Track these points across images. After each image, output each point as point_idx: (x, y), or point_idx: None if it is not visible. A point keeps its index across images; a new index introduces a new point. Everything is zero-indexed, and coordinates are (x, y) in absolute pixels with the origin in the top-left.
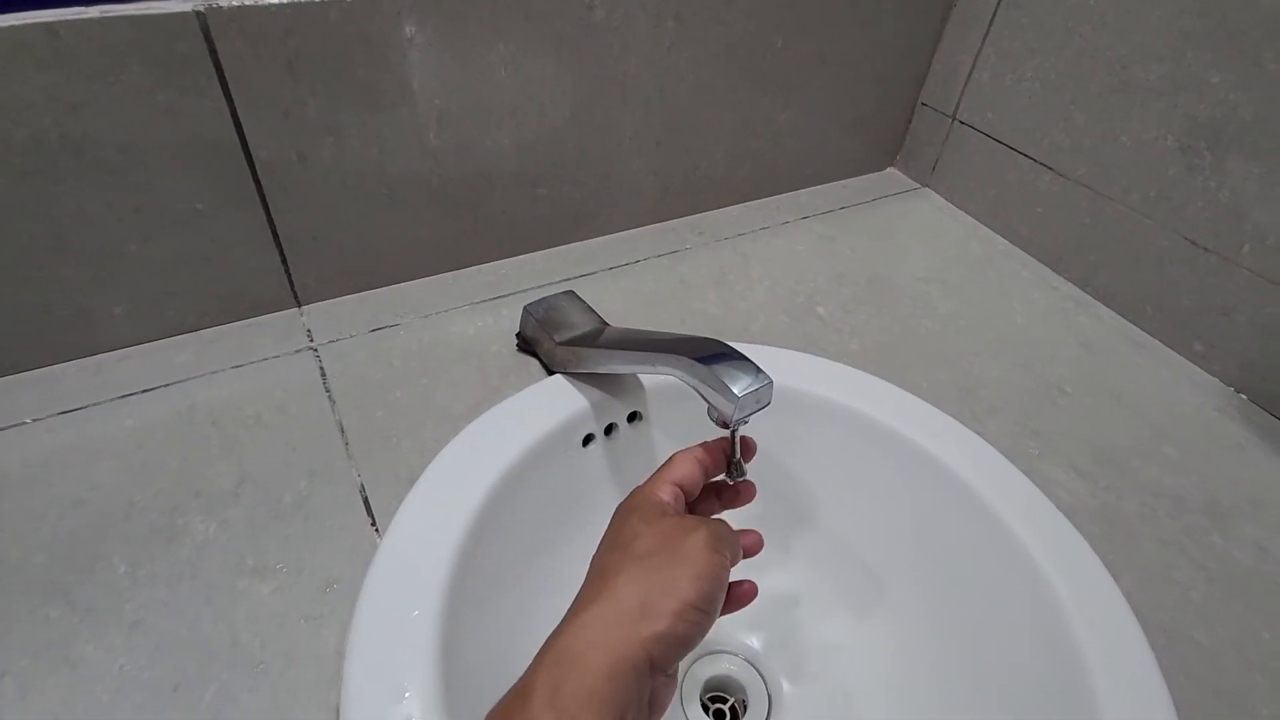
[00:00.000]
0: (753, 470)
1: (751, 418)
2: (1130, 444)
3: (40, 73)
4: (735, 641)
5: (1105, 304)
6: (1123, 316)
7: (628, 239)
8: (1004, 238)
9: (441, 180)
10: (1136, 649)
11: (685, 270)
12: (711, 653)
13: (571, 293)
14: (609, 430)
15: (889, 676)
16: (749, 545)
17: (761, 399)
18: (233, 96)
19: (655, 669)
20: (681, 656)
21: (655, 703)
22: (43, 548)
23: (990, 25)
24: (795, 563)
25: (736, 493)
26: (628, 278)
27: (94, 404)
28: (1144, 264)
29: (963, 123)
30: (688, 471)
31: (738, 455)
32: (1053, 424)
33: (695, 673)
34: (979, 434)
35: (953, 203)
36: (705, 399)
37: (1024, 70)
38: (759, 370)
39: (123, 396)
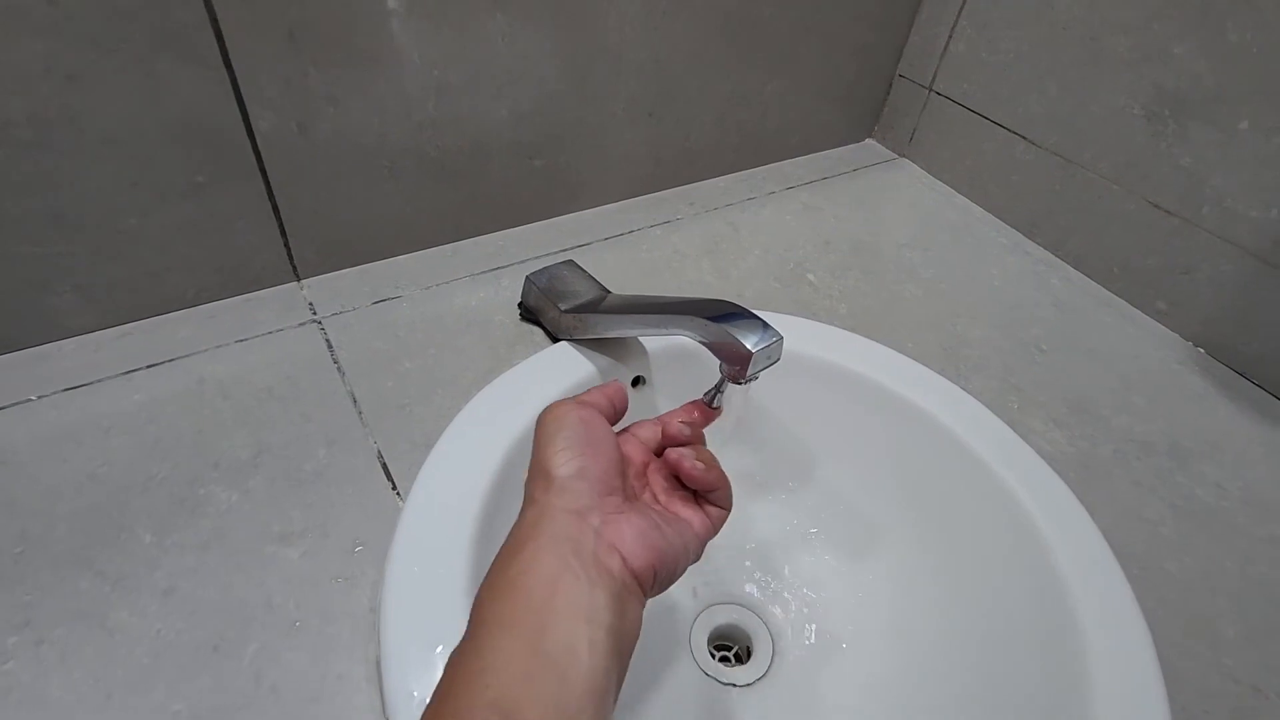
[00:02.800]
0: (751, 430)
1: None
2: (1102, 396)
3: (37, 40)
4: (740, 592)
5: (1075, 267)
6: (1091, 278)
7: (621, 210)
8: (979, 205)
9: (440, 151)
10: (1114, 580)
11: (678, 240)
12: (718, 603)
13: (572, 262)
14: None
15: (887, 618)
16: (611, 392)
17: (773, 354)
18: (233, 65)
19: (580, 515)
20: (596, 490)
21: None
22: (64, 521)
23: None
24: (794, 516)
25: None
26: (623, 248)
27: (99, 380)
28: (1111, 228)
29: (939, 94)
30: (615, 388)
31: (723, 388)
32: (1031, 379)
33: (703, 622)
34: (964, 390)
35: (930, 172)
36: (718, 356)
37: (999, 42)
38: (769, 327)
39: (127, 372)
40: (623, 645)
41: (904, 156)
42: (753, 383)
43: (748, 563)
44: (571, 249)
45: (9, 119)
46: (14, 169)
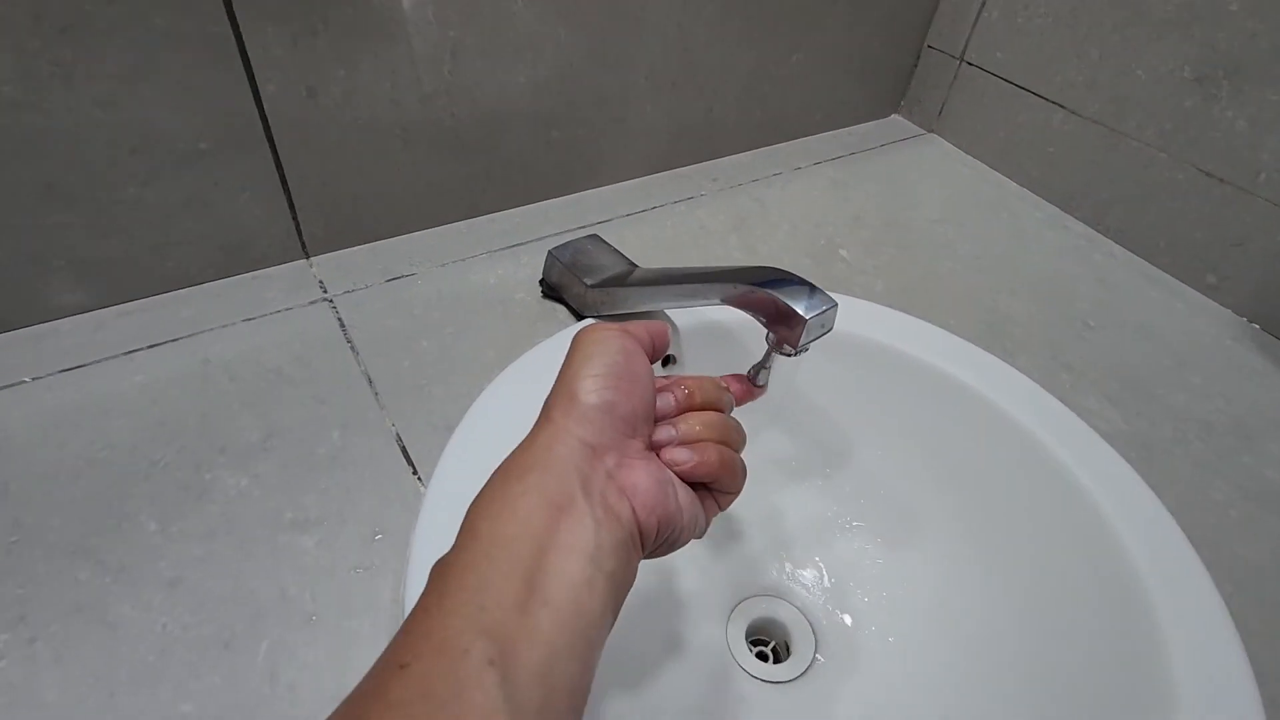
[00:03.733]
0: (785, 413)
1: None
2: (1156, 374)
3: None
4: (776, 582)
5: (1118, 241)
6: (1135, 253)
7: (642, 186)
8: (1014, 180)
9: (454, 120)
10: (1190, 566)
11: (703, 216)
12: (754, 595)
13: (596, 236)
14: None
15: (935, 611)
16: (655, 331)
17: (826, 323)
18: (238, 19)
19: (595, 450)
20: (619, 428)
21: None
22: (60, 510)
23: None
24: (833, 503)
25: (744, 394)
26: (645, 224)
27: (97, 360)
28: (1156, 199)
29: (970, 64)
30: (661, 327)
31: (769, 364)
32: (1080, 357)
33: (739, 614)
34: (1014, 367)
35: (960, 147)
36: (766, 325)
37: (1035, 7)
38: (821, 292)
39: (128, 352)
40: (619, 595)
41: (932, 132)
42: (801, 355)
43: (784, 553)
44: (592, 225)
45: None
46: (1, 133)
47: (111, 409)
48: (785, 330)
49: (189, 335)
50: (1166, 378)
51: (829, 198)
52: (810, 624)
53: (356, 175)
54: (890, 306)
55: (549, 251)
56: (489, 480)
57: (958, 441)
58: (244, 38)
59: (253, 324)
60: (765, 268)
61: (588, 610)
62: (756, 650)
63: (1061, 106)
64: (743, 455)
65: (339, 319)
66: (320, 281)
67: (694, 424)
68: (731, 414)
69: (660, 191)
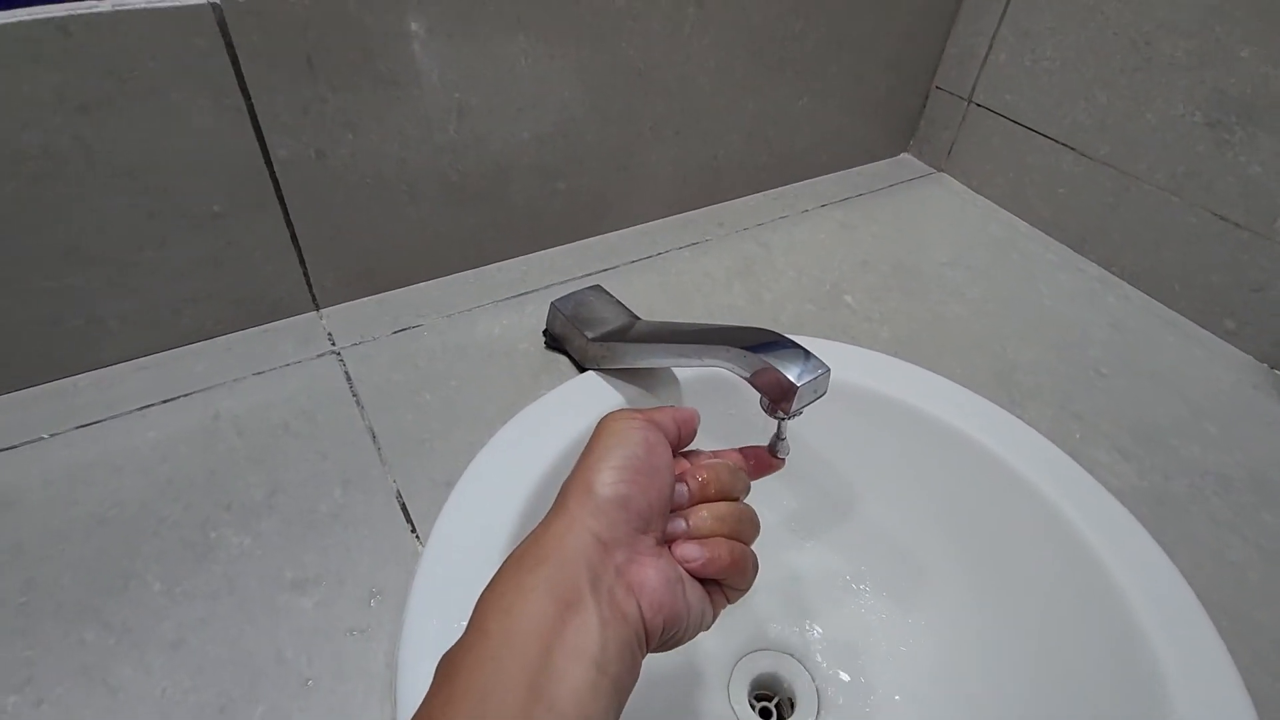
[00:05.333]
0: (792, 462)
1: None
2: (1171, 424)
3: (51, 72)
4: (779, 637)
5: (1132, 284)
6: (1150, 296)
7: (648, 231)
8: (1024, 220)
9: (461, 175)
10: (1201, 630)
11: (708, 262)
12: (758, 650)
13: (599, 287)
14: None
15: (941, 669)
16: (682, 419)
17: (819, 388)
18: (250, 93)
19: (606, 546)
20: (633, 524)
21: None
22: (71, 567)
23: (1007, 5)
24: (837, 557)
25: (763, 468)
26: (651, 271)
27: (112, 416)
28: (1171, 242)
29: (979, 105)
30: (687, 416)
31: (784, 434)
32: (1092, 406)
33: (742, 669)
34: (1019, 418)
35: (970, 187)
36: (759, 390)
37: (1043, 50)
38: (814, 357)
39: (142, 408)
40: (622, 696)
41: (942, 171)
42: (796, 417)
43: (788, 607)
44: (597, 273)
45: (21, 151)
46: (27, 202)
47: (124, 466)
48: (778, 395)
49: (201, 390)
50: (1182, 428)
51: (836, 241)
52: (814, 680)
53: (365, 229)
54: (896, 355)
55: (551, 303)
56: (502, 567)
57: (963, 496)
58: (256, 110)
59: (262, 378)
60: (758, 329)
61: (591, 714)
62: (760, 706)
63: (1071, 148)
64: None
65: (345, 372)
66: (329, 334)
67: (706, 518)
68: (748, 494)
69: (666, 237)
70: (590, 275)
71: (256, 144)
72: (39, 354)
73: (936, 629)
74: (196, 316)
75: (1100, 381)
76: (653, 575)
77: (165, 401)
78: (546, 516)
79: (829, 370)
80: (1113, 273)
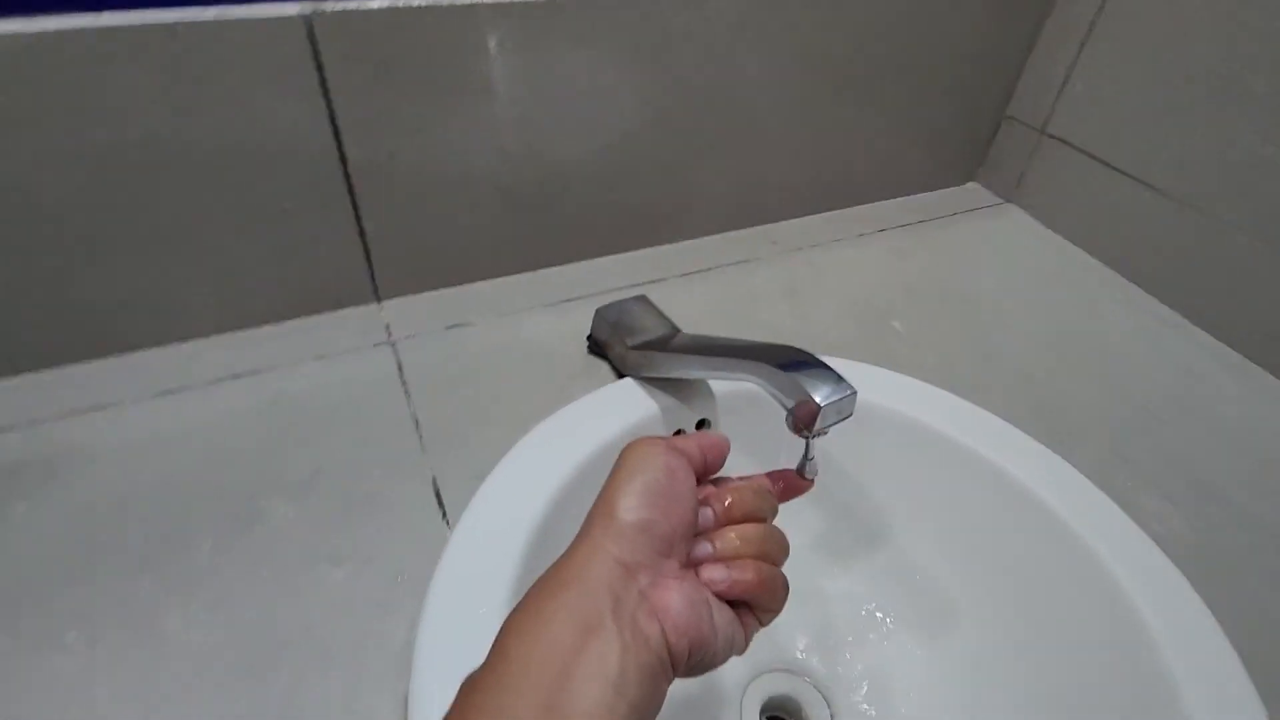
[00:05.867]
0: (821, 488)
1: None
2: (1233, 476)
3: (157, 71)
4: (796, 659)
5: (1206, 330)
6: (1224, 343)
7: (699, 246)
8: (1095, 258)
9: (519, 181)
10: (1247, 702)
11: (757, 280)
12: (771, 670)
13: (644, 297)
14: (678, 435)
15: (961, 710)
16: (708, 445)
17: (844, 410)
18: (331, 99)
19: (629, 570)
20: (655, 548)
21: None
22: (134, 525)
23: (1089, 33)
24: (864, 582)
25: (792, 490)
26: (699, 285)
27: (187, 388)
28: (1251, 287)
29: (1052, 136)
30: (714, 442)
31: (813, 455)
32: (1146, 451)
33: (754, 690)
34: (1064, 458)
35: (1039, 220)
36: (785, 407)
37: (1124, 81)
38: (842, 380)
39: (214, 382)
40: None
41: (1011, 202)
42: (835, 430)
43: (810, 631)
44: (646, 283)
45: (125, 140)
46: (127, 187)
47: (191, 435)
48: (803, 414)
49: (266, 370)
50: (1245, 481)
51: (888, 266)
52: (830, 706)
53: (428, 229)
54: (938, 384)
55: (597, 310)
56: (528, 592)
57: (998, 534)
58: (336, 114)
59: (322, 363)
60: (789, 348)
61: None
62: None
63: (1149, 186)
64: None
65: (398, 362)
66: (387, 325)
67: (733, 539)
68: (776, 516)
69: (717, 253)
70: (638, 285)
71: (334, 145)
72: (127, 325)
73: (960, 668)
74: (268, 301)
75: (1158, 427)
76: (676, 599)
77: (234, 378)
78: (572, 543)
79: (855, 393)
80: (1185, 316)
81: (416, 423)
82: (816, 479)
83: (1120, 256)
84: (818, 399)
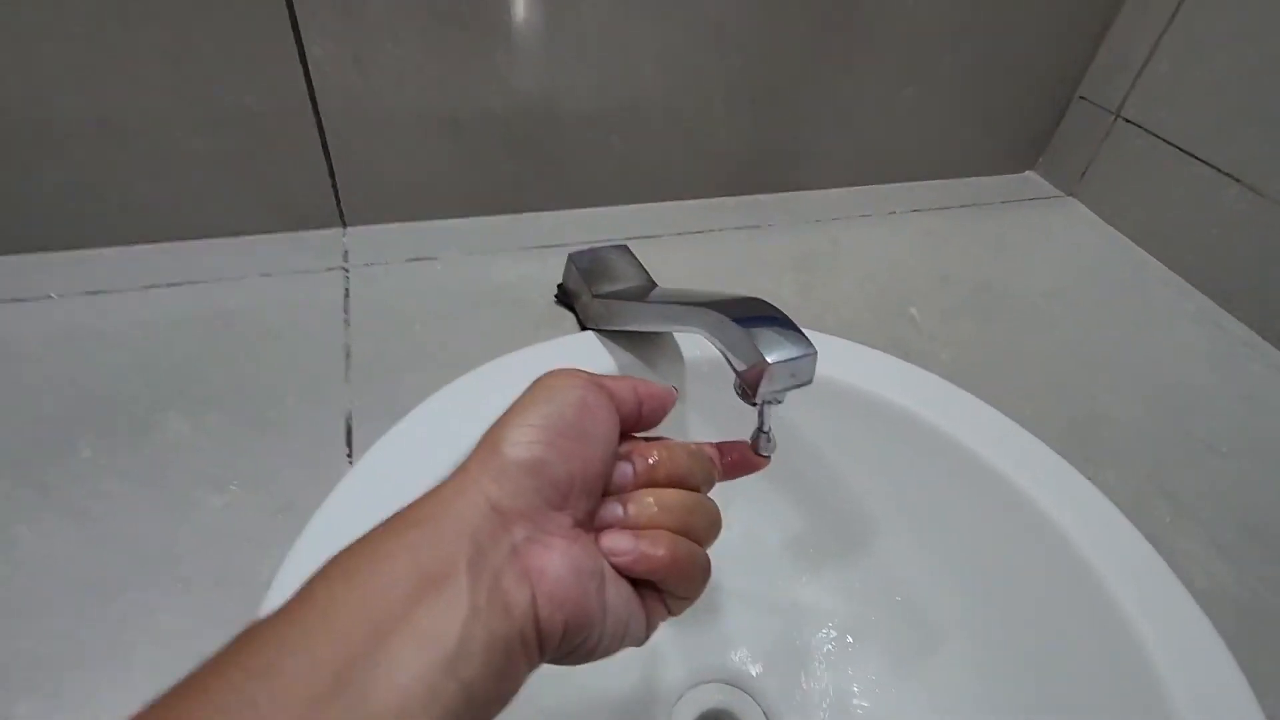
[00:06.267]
0: (802, 478)
1: (800, 411)
2: None
3: None
4: (743, 671)
5: None
6: None
7: (705, 207)
8: (1162, 262)
9: (508, 110)
10: None
11: (763, 247)
12: (713, 681)
13: (624, 247)
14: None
15: None
16: (647, 393)
17: (800, 373)
18: None
19: (504, 517)
20: (544, 495)
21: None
22: (29, 421)
23: (1179, 5)
24: (837, 596)
25: (743, 465)
26: (696, 246)
27: (120, 290)
28: None
29: (1128, 120)
30: (655, 391)
31: (768, 428)
32: (1194, 486)
33: (689, 702)
34: (1091, 481)
35: (1101, 216)
36: (732, 366)
37: (1214, 60)
38: (801, 339)
39: (149, 287)
40: (479, 713)
41: (1072, 196)
42: (776, 407)
43: (763, 642)
44: (639, 238)
45: (73, 10)
46: (69, 66)
47: (110, 336)
48: (750, 374)
49: (207, 281)
50: None
51: (918, 249)
52: None
53: (401, 154)
54: (951, 380)
55: (569, 255)
56: (371, 529)
57: (998, 560)
58: (293, 2)
59: (268, 280)
60: (752, 299)
61: None
62: None
63: (1237, 180)
64: (741, 520)
65: (346, 289)
66: (345, 251)
67: (650, 505)
68: (710, 493)
69: (724, 215)
70: (631, 240)
71: (292, 37)
72: (71, 220)
73: (936, 699)
74: (224, 211)
75: (1213, 459)
76: (558, 561)
77: (171, 285)
78: (449, 478)
79: (814, 354)
80: (1262, 336)
81: (348, 353)
82: (774, 455)
83: (1192, 262)
84: (768, 356)
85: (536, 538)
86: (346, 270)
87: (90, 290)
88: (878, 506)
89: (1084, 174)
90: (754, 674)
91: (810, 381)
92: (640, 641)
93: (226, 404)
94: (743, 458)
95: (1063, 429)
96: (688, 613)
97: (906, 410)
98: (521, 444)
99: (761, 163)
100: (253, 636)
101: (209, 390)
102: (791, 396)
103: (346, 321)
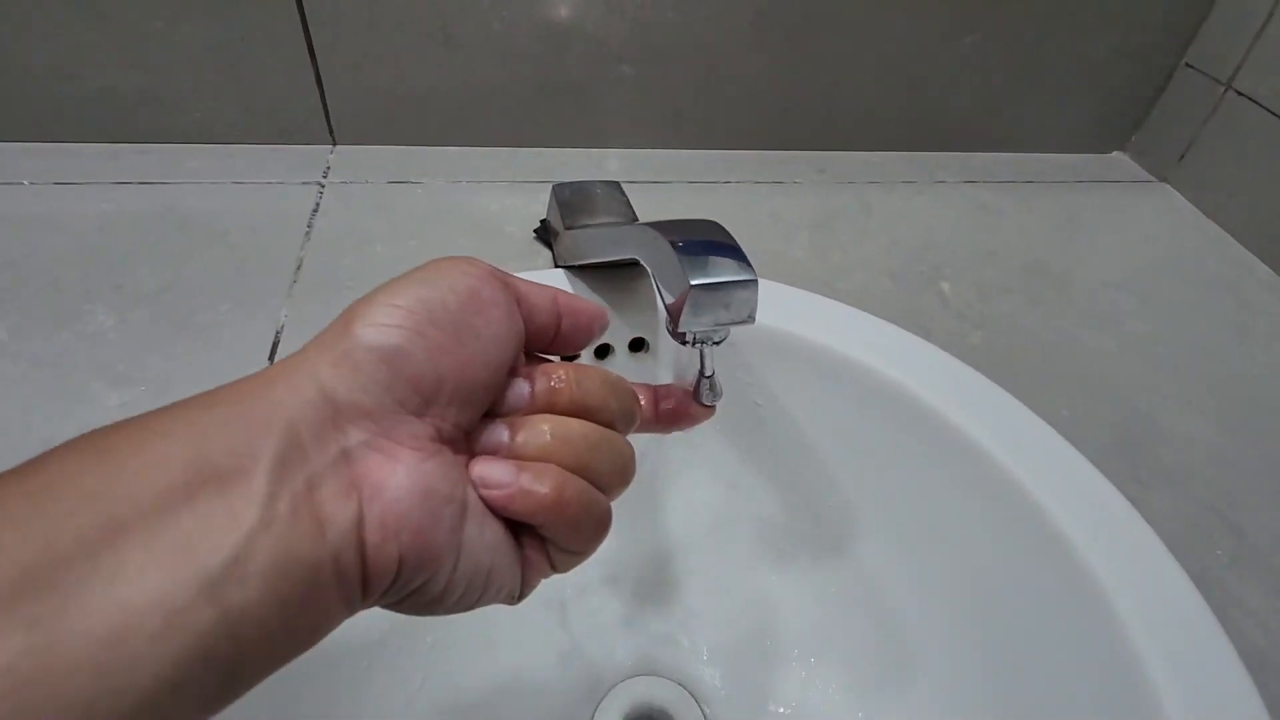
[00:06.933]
0: (782, 459)
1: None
2: None
3: None
4: (688, 665)
5: None
6: None
7: (725, 158)
8: (1267, 263)
9: (506, 25)
10: None
11: (783, 204)
12: (650, 675)
13: (615, 184)
14: (601, 353)
15: None
16: (570, 306)
17: (736, 307)
18: None
19: (337, 411)
20: (398, 394)
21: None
22: None
23: None
24: (808, 597)
25: (682, 413)
26: (707, 196)
27: (87, 183)
28: None
29: (1240, 93)
30: (582, 307)
31: (710, 372)
32: (1266, 524)
33: (619, 694)
34: (1134, 504)
35: (1198, 206)
36: (660, 295)
37: None
38: (744, 265)
39: (117, 183)
40: (234, 669)
41: (1164, 181)
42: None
43: (718, 634)
44: (644, 183)
45: None
46: None
47: (64, 225)
48: (675, 305)
49: (177, 183)
50: None
51: (965, 223)
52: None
53: (390, 66)
54: (976, 367)
55: (553, 186)
56: (161, 407)
57: (1004, 572)
58: None
59: (239, 188)
60: (705, 222)
61: (135, 669)
62: None
63: None
64: (707, 494)
65: (316, 204)
66: (327, 167)
67: (543, 432)
68: (626, 434)
69: (746, 168)
70: (635, 185)
71: None
72: (54, 113)
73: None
74: (208, 114)
75: None
76: (402, 478)
77: (140, 184)
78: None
79: (755, 282)
80: None
81: (299, 266)
82: (751, 427)
83: None
84: (691, 279)
85: (378, 445)
86: (322, 186)
87: (61, 180)
88: (863, 501)
89: (1183, 156)
90: (701, 671)
91: (751, 319)
92: (514, 599)
93: (159, 303)
94: (680, 406)
95: (1108, 440)
96: (637, 592)
97: (907, 392)
98: (379, 325)
99: (793, 113)
100: None
101: (145, 288)
102: (770, 363)
103: (308, 235)
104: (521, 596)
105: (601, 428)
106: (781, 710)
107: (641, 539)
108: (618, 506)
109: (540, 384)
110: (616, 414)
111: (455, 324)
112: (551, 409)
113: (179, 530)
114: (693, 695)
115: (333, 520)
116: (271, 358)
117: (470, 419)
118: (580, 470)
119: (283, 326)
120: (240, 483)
